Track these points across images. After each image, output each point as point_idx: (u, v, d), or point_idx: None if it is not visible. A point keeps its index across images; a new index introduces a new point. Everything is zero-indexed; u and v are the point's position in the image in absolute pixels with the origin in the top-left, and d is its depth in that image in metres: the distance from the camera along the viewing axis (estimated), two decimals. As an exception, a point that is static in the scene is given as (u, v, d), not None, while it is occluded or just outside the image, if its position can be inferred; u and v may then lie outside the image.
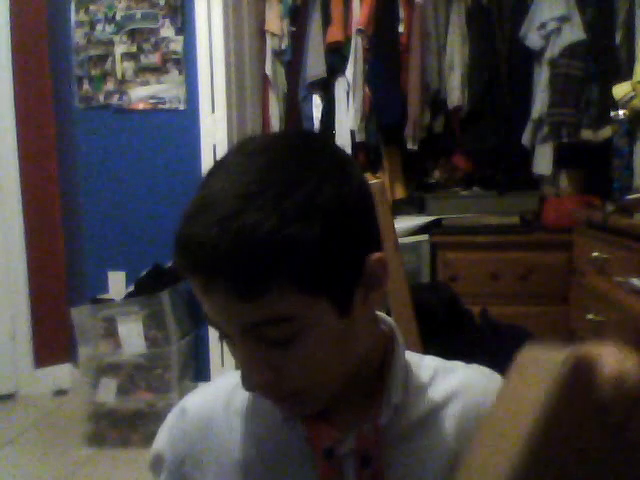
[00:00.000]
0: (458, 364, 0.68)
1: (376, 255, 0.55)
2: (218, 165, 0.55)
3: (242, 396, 0.65)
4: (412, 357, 0.67)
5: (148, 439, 2.24)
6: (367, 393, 0.61)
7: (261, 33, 2.91)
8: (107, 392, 2.32)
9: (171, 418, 0.68)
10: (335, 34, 2.77)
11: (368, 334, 0.61)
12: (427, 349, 1.27)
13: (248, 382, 0.54)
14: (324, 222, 0.50)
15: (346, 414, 0.61)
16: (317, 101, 2.88)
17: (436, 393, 0.63)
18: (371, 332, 0.62)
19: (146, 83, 2.63)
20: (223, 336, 0.55)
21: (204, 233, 0.48)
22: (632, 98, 1.92)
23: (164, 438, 0.67)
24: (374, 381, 0.62)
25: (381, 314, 0.66)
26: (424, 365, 0.66)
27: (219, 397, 0.66)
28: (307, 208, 0.49)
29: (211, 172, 0.55)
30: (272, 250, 0.48)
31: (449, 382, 0.64)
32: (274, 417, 0.62)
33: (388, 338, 0.65)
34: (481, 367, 0.68)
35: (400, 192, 2.94)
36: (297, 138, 0.58)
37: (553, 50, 2.56)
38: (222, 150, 2.57)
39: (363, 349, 0.60)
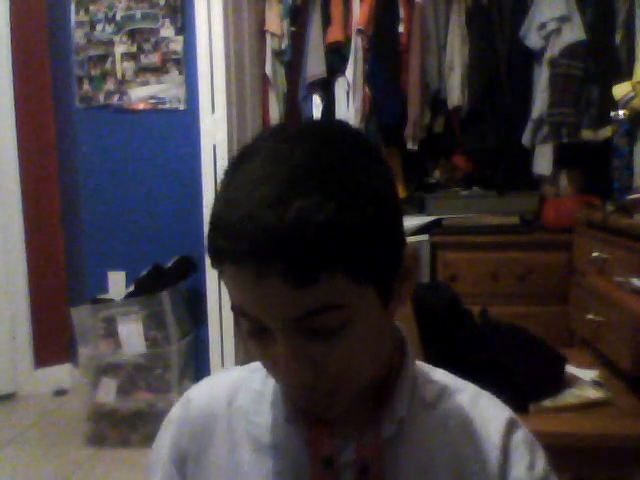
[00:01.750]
0: (469, 385, 0.65)
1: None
2: (251, 151, 0.52)
3: (244, 394, 0.64)
4: (422, 369, 0.65)
5: (148, 439, 2.24)
6: (371, 402, 0.60)
7: (261, 33, 2.91)
8: (107, 392, 2.32)
9: (175, 413, 0.67)
10: (335, 34, 2.77)
11: (391, 333, 0.60)
12: (427, 349, 1.27)
13: (290, 380, 0.52)
14: (375, 209, 0.49)
15: (348, 422, 0.59)
16: (317, 101, 2.88)
17: (441, 412, 0.62)
18: (393, 332, 0.61)
19: (146, 83, 2.63)
20: (256, 332, 0.52)
21: (259, 216, 0.46)
22: (632, 98, 1.92)
23: (168, 433, 0.66)
24: (380, 390, 0.60)
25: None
26: (433, 380, 0.64)
27: (222, 394, 0.65)
28: (361, 194, 0.48)
29: (243, 157, 0.52)
30: (330, 235, 0.46)
31: (456, 403, 0.62)
32: (276, 419, 0.61)
33: (397, 345, 0.63)
34: (492, 395, 0.64)
35: (400, 192, 2.94)
36: (335, 126, 0.56)
37: (553, 50, 2.56)
38: (222, 150, 2.57)
39: (387, 348, 0.59)
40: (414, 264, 0.56)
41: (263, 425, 0.62)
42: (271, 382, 0.63)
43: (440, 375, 0.66)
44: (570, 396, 1.35)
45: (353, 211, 0.47)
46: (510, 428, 0.60)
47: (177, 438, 0.65)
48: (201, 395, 0.66)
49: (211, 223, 0.49)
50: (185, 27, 2.59)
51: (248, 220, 0.46)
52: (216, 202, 0.50)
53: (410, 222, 2.70)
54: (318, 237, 0.46)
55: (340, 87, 2.82)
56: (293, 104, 2.95)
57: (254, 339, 0.53)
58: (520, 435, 0.60)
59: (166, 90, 2.63)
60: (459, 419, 0.61)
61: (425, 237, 2.65)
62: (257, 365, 0.66)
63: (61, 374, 2.86)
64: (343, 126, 0.56)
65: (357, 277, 0.49)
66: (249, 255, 0.46)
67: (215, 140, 2.58)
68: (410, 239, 2.61)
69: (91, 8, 2.63)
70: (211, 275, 2.62)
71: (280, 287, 0.46)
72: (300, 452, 0.59)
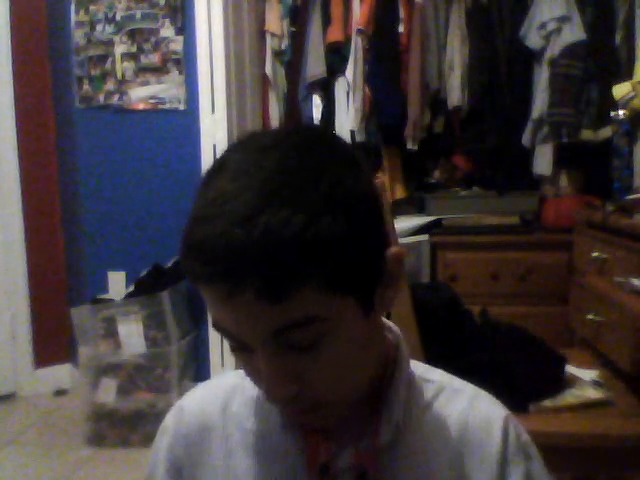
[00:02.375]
0: (468, 386, 0.64)
1: (393, 249, 0.54)
2: (221, 164, 0.52)
3: (239, 400, 0.64)
4: (418, 369, 0.64)
5: (148, 439, 2.24)
6: (368, 408, 0.59)
7: (261, 33, 2.91)
8: (107, 392, 2.32)
9: (169, 421, 0.66)
10: (335, 34, 2.77)
11: (380, 340, 0.60)
12: (427, 349, 1.27)
13: (273, 395, 0.51)
14: (348, 216, 0.48)
15: (344, 429, 0.59)
16: (317, 101, 2.88)
17: (438, 412, 0.61)
18: (381, 338, 0.61)
19: (146, 83, 2.63)
20: (237, 348, 0.52)
21: (228, 235, 0.45)
22: (632, 98, 1.92)
23: (163, 443, 0.65)
24: (375, 395, 0.59)
25: (387, 321, 0.64)
26: (430, 379, 0.64)
27: (217, 400, 0.65)
28: (331, 203, 0.47)
29: (214, 171, 0.52)
30: (302, 248, 0.45)
31: (454, 404, 0.61)
32: (271, 425, 0.60)
33: (392, 348, 0.62)
34: (490, 395, 0.64)
35: (400, 192, 2.94)
36: (306, 133, 0.55)
37: (553, 50, 2.56)
38: (222, 150, 2.57)
39: (376, 356, 0.58)
40: (399, 268, 0.54)
41: (258, 431, 0.61)
42: None
43: (437, 375, 0.65)
44: (570, 396, 1.35)
45: (324, 222, 0.46)
46: (507, 430, 0.60)
47: (172, 448, 0.64)
48: (194, 403, 0.66)
49: (182, 242, 0.49)
50: (185, 27, 2.59)
51: (217, 239, 0.45)
52: (189, 219, 0.49)
53: (410, 222, 2.70)
54: (287, 252, 0.45)
55: (340, 87, 2.82)
56: (293, 104, 2.95)
57: (237, 354, 0.53)
58: (516, 440, 0.60)
59: (166, 90, 2.63)
60: (457, 420, 0.60)
61: (425, 237, 2.65)
62: None
63: (61, 374, 2.86)
64: (316, 132, 0.55)
65: (333, 288, 0.48)
66: (220, 275, 0.46)
67: (215, 140, 2.58)
68: (410, 239, 2.61)
69: (91, 8, 2.63)
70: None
71: (253, 304, 0.46)
72: (296, 459, 0.58)
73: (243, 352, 0.52)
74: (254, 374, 0.53)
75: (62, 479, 2.08)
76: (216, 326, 0.51)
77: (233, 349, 0.52)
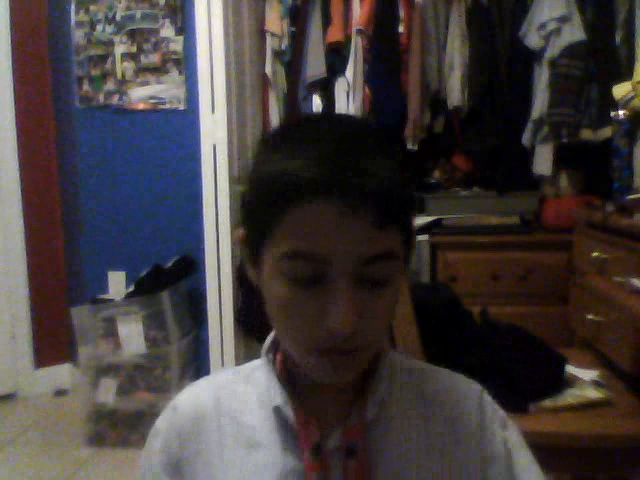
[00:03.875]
0: (443, 369, 0.69)
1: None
2: (300, 123, 0.60)
3: (231, 395, 0.66)
4: (395, 356, 0.69)
5: (148, 439, 2.24)
6: (352, 391, 0.63)
7: (261, 33, 2.91)
8: (107, 392, 2.32)
9: (161, 424, 0.67)
10: (335, 34, 2.77)
11: None
12: (427, 349, 1.27)
13: (346, 322, 0.52)
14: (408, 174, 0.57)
15: (333, 409, 0.62)
16: (317, 101, 2.88)
17: (418, 390, 0.65)
18: None
19: (146, 83, 2.63)
20: (309, 279, 0.53)
21: (359, 158, 0.51)
22: (632, 98, 1.92)
23: (156, 445, 0.66)
24: (360, 378, 0.63)
25: None
26: (407, 363, 0.68)
27: (209, 395, 0.66)
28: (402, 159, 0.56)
29: (297, 127, 0.58)
30: (402, 190, 0.53)
31: (432, 382, 0.66)
32: (264, 416, 0.63)
33: None
34: (464, 376, 0.69)
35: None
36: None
37: (553, 50, 2.56)
38: (222, 150, 2.57)
39: None
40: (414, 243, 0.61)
41: (251, 423, 0.63)
42: (255, 382, 0.66)
43: (412, 361, 0.70)
44: (570, 396, 1.35)
45: (407, 179, 0.55)
46: (482, 399, 0.66)
47: (167, 446, 0.65)
48: (187, 401, 0.67)
49: (284, 172, 0.51)
50: (185, 27, 2.59)
51: (344, 163, 0.50)
52: (283, 159, 0.53)
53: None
54: (398, 189, 0.52)
55: (340, 87, 2.82)
56: (293, 104, 2.95)
57: (297, 291, 0.53)
58: (490, 407, 0.66)
59: (166, 90, 2.63)
60: (437, 395, 0.65)
61: (425, 237, 2.65)
62: (237, 368, 0.69)
63: (61, 374, 2.86)
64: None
65: (405, 235, 0.55)
66: (345, 189, 0.50)
67: (215, 140, 2.58)
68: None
69: (91, 8, 2.64)
70: (211, 275, 2.62)
71: (363, 225, 0.50)
72: (289, 443, 0.61)
73: (309, 286, 0.53)
74: (311, 312, 0.53)
75: (62, 479, 2.08)
76: (297, 253, 0.52)
77: (297, 283, 0.53)
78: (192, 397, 0.67)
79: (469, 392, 0.66)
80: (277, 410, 0.62)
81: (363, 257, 0.51)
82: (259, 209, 0.55)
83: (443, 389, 0.66)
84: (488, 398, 0.66)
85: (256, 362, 0.69)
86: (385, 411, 0.62)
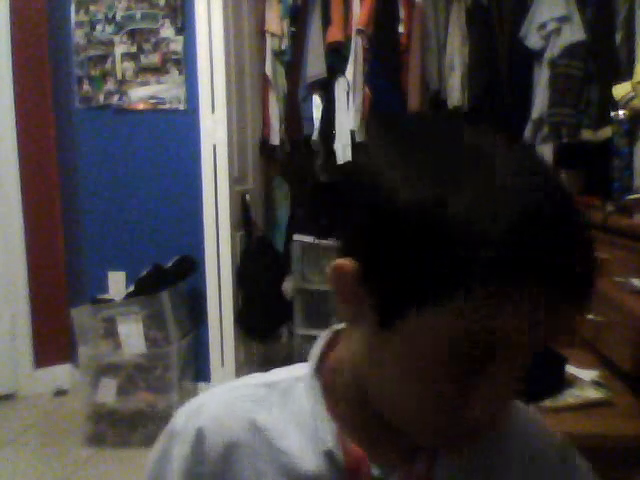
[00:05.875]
0: (521, 404, 0.61)
1: None
2: (472, 143, 0.46)
3: (266, 416, 0.57)
4: None
5: (148, 439, 2.24)
6: None
7: (261, 33, 2.91)
8: (107, 392, 2.32)
9: (184, 436, 0.57)
10: (335, 34, 2.77)
11: None
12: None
13: (499, 422, 0.46)
14: None
15: (391, 448, 0.53)
16: (317, 101, 2.88)
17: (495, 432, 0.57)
18: None
19: (146, 83, 2.63)
20: (467, 372, 0.44)
21: (580, 226, 0.43)
22: (632, 98, 1.91)
23: (176, 451, 0.57)
24: None
25: None
26: None
27: (240, 414, 0.57)
28: None
29: (472, 151, 0.45)
30: (593, 254, 0.45)
31: (512, 422, 0.57)
32: (308, 444, 0.54)
33: None
34: (535, 410, 0.63)
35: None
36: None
37: (553, 50, 2.56)
38: (222, 150, 2.57)
39: None
40: None
41: (291, 451, 0.55)
42: (294, 400, 0.57)
43: None
44: (570, 396, 1.35)
45: None
46: (565, 451, 0.60)
47: (192, 472, 0.56)
48: (216, 422, 0.57)
49: (471, 237, 0.39)
50: (185, 27, 2.59)
51: (545, 234, 0.40)
52: (466, 212, 0.40)
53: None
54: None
55: (340, 87, 2.82)
56: (293, 104, 2.95)
57: (454, 380, 0.45)
58: (574, 459, 0.60)
59: (166, 90, 2.63)
60: (513, 441, 0.57)
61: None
62: (273, 379, 0.59)
63: (61, 374, 2.86)
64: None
65: None
66: (568, 274, 0.41)
67: (215, 140, 2.58)
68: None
69: (91, 8, 2.63)
70: (211, 275, 2.62)
71: (560, 303, 0.42)
72: (336, 476, 0.53)
73: (456, 377, 0.45)
74: (449, 401, 0.46)
75: (62, 479, 2.08)
76: (463, 341, 0.42)
77: (449, 373, 0.44)
78: (222, 418, 0.57)
79: (550, 439, 0.61)
80: (328, 454, 0.53)
81: (541, 347, 0.44)
82: (409, 259, 0.42)
83: (521, 428, 0.58)
84: (569, 446, 0.60)
85: (297, 371, 0.59)
86: (457, 458, 0.53)
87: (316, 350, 0.58)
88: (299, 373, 0.58)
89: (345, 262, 0.47)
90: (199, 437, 0.56)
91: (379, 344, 0.48)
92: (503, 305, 0.40)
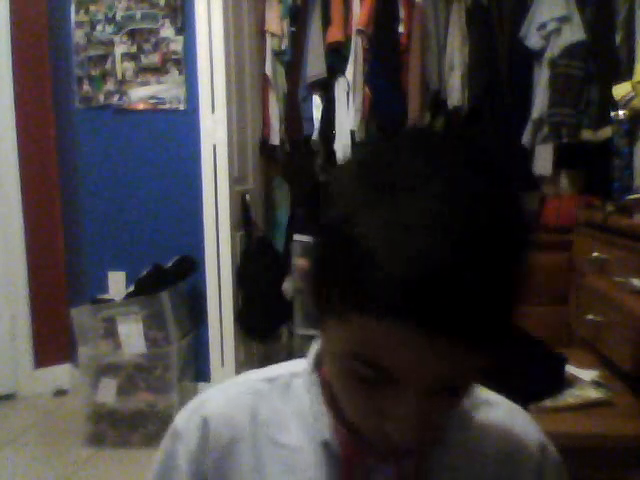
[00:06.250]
0: (502, 399, 0.64)
1: None
2: (405, 175, 0.43)
3: (268, 408, 0.59)
4: None
5: (148, 439, 2.24)
6: None
7: (261, 33, 2.91)
8: (107, 392, 2.32)
9: (187, 429, 0.60)
10: (335, 34, 2.77)
11: None
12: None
13: (408, 434, 0.46)
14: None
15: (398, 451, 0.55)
16: (317, 101, 2.88)
17: (477, 428, 0.59)
18: None
19: (146, 83, 2.63)
20: (371, 381, 0.45)
21: (456, 276, 0.40)
22: (632, 98, 1.91)
23: (181, 450, 0.59)
24: None
25: None
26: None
27: (243, 407, 0.59)
28: (526, 244, 0.46)
29: (399, 183, 0.43)
30: (515, 298, 0.44)
31: (490, 418, 0.60)
32: (304, 438, 0.57)
33: None
34: (526, 413, 0.64)
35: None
36: (473, 141, 0.49)
37: (553, 50, 2.56)
38: (222, 150, 2.57)
39: None
40: None
41: (290, 445, 0.57)
42: (294, 395, 0.59)
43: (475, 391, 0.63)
44: (570, 396, 1.35)
45: (523, 266, 0.45)
46: (544, 452, 0.61)
47: (197, 461, 0.59)
48: (219, 412, 0.60)
49: (371, 265, 0.40)
50: (185, 27, 2.59)
51: (445, 281, 0.39)
52: (373, 236, 0.41)
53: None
54: (511, 301, 0.43)
55: (340, 87, 2.82)
56: (293, 104, 2.95)
57: (359, 386, 0.46)
58: (552, 462, 0.61)
59: (166, 90, 2.63)
60: (495, 437, 0.60)
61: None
62: (273, 374, 0.62)
63: (61, 374, 2.86)
64: (479, 145, 0.49)
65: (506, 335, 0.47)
66: (441, 320, 0.40)
67: (215, 140, 2.58)
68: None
69: (91, 8, 2.63)
70: (211, 275, 2.62)
71: (455, 353, 0.42)
72: (333, 476, 0.56)
73: (372, 386, 0.46)
74: (371, 409, 0.47)
75: (62, 479, 2.08)
76: (361, 358, 0.44)
77: (362, 381, 0.46)
78: (225, 409, 0.60)
79: (531, 433, 0.62)
80: (325, 444, 0.56)
81: (447, 378, 0.44)
82: (331, 275, 0.44)
83: (503, 429, 0.60)
84: (550, 447, 0.62)
85: (295, 367, 0.61)
86: (441, 448, 0.57)
87: (315, 346, 0.60)
88: (297, 369, 0.60)
89: (303, 261, 0.49)
90: (204, 427, 0.59)
91: (322, 341, 0.51)
92: (388, 336, 0.41)
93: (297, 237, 2.88)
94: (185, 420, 0.61)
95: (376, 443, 0.51)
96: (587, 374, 1.47)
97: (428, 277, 0.39)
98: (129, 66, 2.63)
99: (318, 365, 0.59)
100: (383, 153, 0.46)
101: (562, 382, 1.39)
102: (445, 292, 0.39)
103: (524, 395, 1.32)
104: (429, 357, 0.42)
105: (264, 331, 2.81)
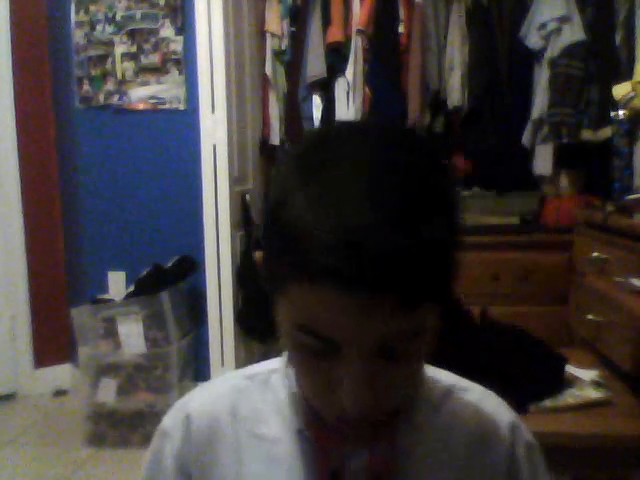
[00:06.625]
0: (474, 385, 0.65)
1: None
2: (331, 156, 0.47)
3: (247, 404, 0.62)
4: (427, 371, 0.64)
5: (148, 439, 2.23)
6: None
7: (261, 33, 2.91)
8: (107, 392, 2.32)
9: (172, 427, 0.63)
10: (335, 34, 2.77)
11: None
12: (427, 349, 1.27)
13: (359, 404, 0.47)
14: (456, 230, 0.48)
15: (359, 429, 0.56)
16: (317, 101, 2.88)
17: (448, 412, 0.61)
18: None
19: (146, 83, 2.63)
20: (320, 353, 0.47)
21: (382, 236, 0.42)
22: (632, 98, 1.91)
23: (168, 449, 0.62)
24: None
25: None
26: (438, 380, 0.64)
27: (224, 403, 0.62)
28: (455, 210, 0.47)
29: (323, 161, 0.46)
30: (442, 261, 0.45)
31: (462, 403, 0.62)
32: (283, 430, 0.59)
33: None
34: (495, 394, 0.65)
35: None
36: (401, 128, 0.53)
37: (553, 50, 2.56)
38: (222, 150, 2.57)
39: None
40: None
41: (270, 437, 0.60)
42: (272, 390, 0.62)
43: (444, 375, 0.65)
44: (570, 396, 1.35)
45: (453, 231, 0.47)
46: (514, 432, 0.61)
47: (181, 455, 0.61)
48: (201, 408, 0.63)
49: (301, 234, 0.43)
50: (185, 27, 2.59)
51: (365, 242, 0.42)
52: (303, 209, 0.44)
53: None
54: (435, 263, 0.44)
55: (340, 87, 2.82)
56: (293, 104, 2.95)
57: (310, 360, 0.49)
58: (523, 443, 0.61)
59: (166, 90, 2.63)
60: (466, 420, 0.61)
61: (425, 237, 2.64)
62: (252, 372, 0.65)
63: (61, 374, 2.86)
64: (410, 130, 0.53)
65: (440, 300, 0.48)
66: (364, 281, 0.42)
67: (215, 140, 2.58)
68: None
69: (91, 8, 2.64)
70: (211, 275, 2.62)
71: (384, 313, 0.43)
72: (307, 464, 0.57)
73: (321, 358, 0.48)
74: (323, 383, 0.49)
75: (62, 479, 2.08)
76: (306, 328, 0.46)
77: (309, 354, 0.48)
78: (207, 405, 0.63)
79: (501, 417, 0.62)
80: (300, 431, 0.58)
81: (384, 340, 0.45)
82: (273, 254, 0.48)
83: (475, 413, 0.61)
84: (521, 427, 0.63)
85: (272, 364, 0.64)
86: (417, 436, 0.58)
87: None
88: (275, 366, 0.63)
89: (259, 253, 0.53)
90: (187, 423, 0.62)
91: (278, 323, 0.53)
92: (323, 302, 0.44)
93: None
94: (171, 419, 0.64)
95: (333, 421, 0.52)
96: (587, 374, 1.46)
97: (351, 240, 0.42)
98: (129, 66, 2.63)
99: None
100: (315, 141, 0.50)
101: (562, 382, 1.39)
102: (368, 253, 0.41)
103: (524, 395, 1.32)
104: (363, 319, 0.44)
105: (264, 331, 2.81)
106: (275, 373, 0.63)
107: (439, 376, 0.65)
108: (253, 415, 0.61)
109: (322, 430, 0.56)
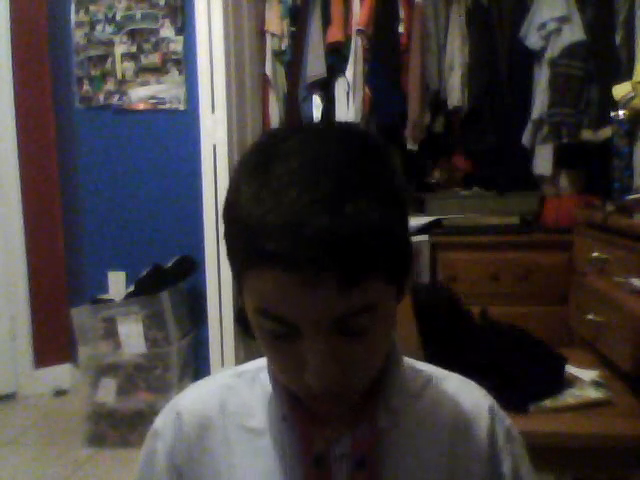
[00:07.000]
0: (453, 374, 0.68)
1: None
2: (276, 151, 0.51)
3: (236, 401, 0.64)
4: (407, 362, 0.67)
5: (148, 439, 2.24)
6: (365, 395, 0.60)
7: (261, 33, 2.91)
8: (107, 392, 2.32)
9: (164, 426, 0.65)
10: (335, 34, 2.77)
11: None
12: (427, 349, 1.27)
13: (324, 379, 0.50)
14: (402, 209, 0.53)
15: (342, 416, 0.59)
16: (317, 101, 2.88)
17: (428, 400, 0.64)
18: None
19: (146, 83, 2.63)
20: (282, 335, 0.51)
21: (316, 219, 0.45)
22: (632, 98, 1.91)
23: (160, 448, 0.64)
24: (373, 382, 0.60)
25: None
26: (419, 370, 0.67)
27: (213, 400, 0.65)
28: (391, 195, 0.51)
29: (269, 157, 0.50)
30: (378, 238, 0.48)
31: (441, 391, 0.65)
32: (270, 420, 0.62)
33: None
34: (473, 382, 0.68)
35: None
36: (344, 126, 0.56)
37: (553, 50, 2.56)
38: (222, 150, 2.57)
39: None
40: (415, 258, 0.58)
41: (257, 428, 0.62)
42: (260, 385, 0.64)
43: (424, 366, 0.68)
44: (570, 396, 1.35)
45: (392, 214, 0.50)
46: (494, 417, 0.64)
47: (172, 452, 0.63)
48: (192, 407, 0.65)
49: (248, 224, 0.47)
50: (185, 27, 2.59)
51: (302, 224, 0.45)
52: (250, 202, 0.48)
53: (410, 222, 2.69)
54: (371, 240, 0.47)
55: (340, 87, 2.82)
56: (293, 104, 2.95)
57: (276, 343, 0.52)
58: (502, 428, 0.64)
59: (166, 90, 2.63)
60: (446, 407, 0.64)
61: (425, 237, 2.65)
62: (241, 369, 0.68)
63: (61, 374, 2.86)
64: (353, 127, 0.57)
65: (389, 277, 0.51)
66: (304, 260, 0.45)
67: (215, 140, 2.58)
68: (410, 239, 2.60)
69: (91, 8, 2.64)
70: (211, 275, 2.62)
71: (329, 290, 0.46)
72: (295, 450, 0.60)
73: (287, 340, 0.51)
74: (290, 364, 0.52)
75: (62, 479, 2.08)
76: (265, 313, 0.50)
77: (274, 338, 0.51)
78: (197, 403, 0.65)
79: (480, 403, 0.65)
80: (284, 418, 0.61)
81: (336, 316, 0.48)
82: (231, 248, 0.52)
83: (454, 400, 0.64)
84: (499, 412, 0.65)
85: (260, 362, 0.67)
86: (397, 421, 0.61)
87: None
88: (263, 364, 0.65)
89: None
90: (178, 420, 0.64)
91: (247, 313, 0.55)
92: (272, 287, 0.47)
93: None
94: (162, 419, 0.66)
95: (308, 402, 0.55)
96: (587, 374, 1.47)
97: (290, 223, 0.45)
98: (129, 66, 2.63)
99: None
100: (261, 143, 0.53)
101: (562, 382, 1.39)
102: (305, 234, 0.45)
103: (524, 395, 1.32)
104: (312, 297, 0.47)
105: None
106: (263, 369, 0.65)
107: (419, 367, 0.68)
108: (242, 410, 0.63)
109: (305, 414, 0.58)
